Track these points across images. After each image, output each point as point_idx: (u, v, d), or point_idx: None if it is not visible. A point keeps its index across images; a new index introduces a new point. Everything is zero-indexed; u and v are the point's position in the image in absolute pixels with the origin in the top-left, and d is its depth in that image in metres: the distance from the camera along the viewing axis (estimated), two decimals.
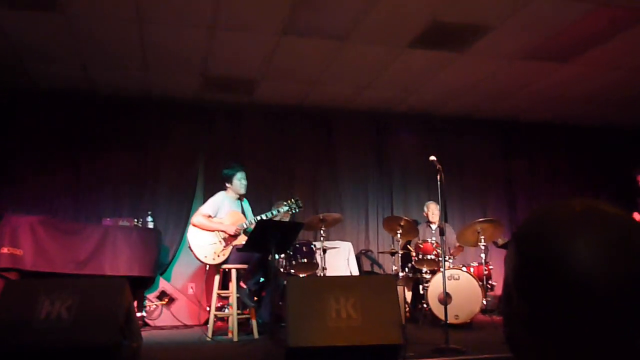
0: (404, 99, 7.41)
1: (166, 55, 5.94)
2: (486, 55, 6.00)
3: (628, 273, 0.66)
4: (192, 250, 5.10)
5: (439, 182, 4.23)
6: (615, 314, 0.65)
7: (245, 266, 5.09)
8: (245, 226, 5.21)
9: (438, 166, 4.25)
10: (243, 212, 5.42)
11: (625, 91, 7.17)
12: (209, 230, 5.15)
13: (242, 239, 5.17)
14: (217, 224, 5.18)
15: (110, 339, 2.97)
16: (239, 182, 5.37)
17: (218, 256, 5.11)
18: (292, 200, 5.41)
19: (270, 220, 5.08)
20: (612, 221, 0.69)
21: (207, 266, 5.27)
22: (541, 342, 0.70)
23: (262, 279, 5.26)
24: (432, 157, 4.38)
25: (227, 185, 5.39)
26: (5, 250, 5.11)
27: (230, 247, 5.17)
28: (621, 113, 8.05)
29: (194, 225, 5.19)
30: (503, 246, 6.28)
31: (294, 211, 5.44)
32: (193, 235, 5.14)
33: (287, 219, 5.79)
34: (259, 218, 5.11)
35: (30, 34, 5.43)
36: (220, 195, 5.39)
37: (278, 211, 5.31)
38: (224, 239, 5.17)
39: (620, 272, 0.66)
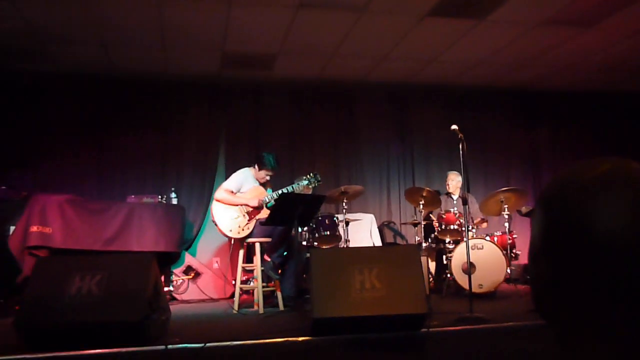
0: (422, 70, 7.31)
1: (184, 33, 5.94)
2: (506, 22, 5.86)
3: None
4: (216, 225, 5.18)
5: (460, 152, 4.19)
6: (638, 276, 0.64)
7: (268, 240, 5.15)
8: (267, 200, 5.27)
9: (460, 135, 4.21)
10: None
11: None
12: (232, 205, 5.22)
13: (265, 213, 5.23)
14: (239, 198, 5.25)
15: (140, 313, 3.03)
16: (265, 174, 5.43)
17: (242, 230, 5.19)
18: (312, 174, 5.48)
19: (292, 194, 5.12)
20: (638, 179, 0.68)
21: (232, 240, 5.34)
22: (567, 302, 0.70)
23: (285, 253, 5.31)
24: (454, 127, 4.33)
25: (257, 165, 5.43)
26: (35, 228, 5.22)
27: (254, 221, 5.24)
28: None
29: (217, 200, 5.26)
30: (527, 214, 6.23)
31: (313, 185, 5.49)
32: (217, 210, 5.21)
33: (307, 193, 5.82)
34: (280, 192, 5.16)
35: (50, 17, 5.46)
36: (244, 172, 5.45)
37: (298, 185, 5.36)
38: (248, 212, 5.23)
39: None
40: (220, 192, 5.29)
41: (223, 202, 5.23)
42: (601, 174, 0.69)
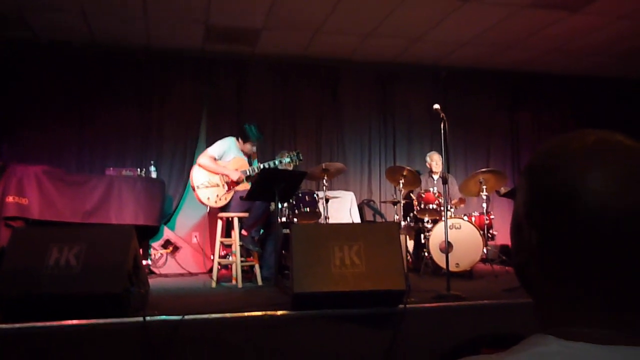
0: (408, 48, 7.29)
1: (167, 3, 5.82)
2: (493, 2, 5.86)
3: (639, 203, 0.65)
4: (194, 191, 5.17)
5: (442, 132, 4.20)
6: (625, 244, 0.65)
7: (245, 215, 5.15)
8: (248, 173, 5.28)
9: (442, 115, 4.22)
10: (249, 161, 5.51)
11: (633, 42, 7.05)
12: (213, 173, 5.22)
13: (243, 186, 5.24)
14: (221, 167, 5.25)
15: (119, 285, 3.02)
16: (251, 147, 5.48)
17: (220, 199, 5.20)
18: (294, 152, 5.55)
19: (273, 169, 5.12)
20: (625, 151, 0.69)
21: (208, 208, 5.36)
22: (550, 271, 0.71)
23: (262, 231, 5.34)
24: (436, 106, 4.34)
25: (241, 138, 5.44)
26: (10, 199, 5.14)
27: (232, 192, 5.24)
28: (629, 64, 7.93)
29: (199, 165, 5.25)
30: (505, 195, 6.31)
31: (295, 163, 5.56)
32: (197, 176, 5.21)
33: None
34: (262, 166, 5.16)
35: None
36: (229, 140, 5.46)
37: (280, 162, 5.38)
38: (227, 183, 5.24)
39: (632, 202, 0.65)
40: (203, 158, 5.28)
41: (205, 169, 5.22)
42: (589, 144, 0.70)
